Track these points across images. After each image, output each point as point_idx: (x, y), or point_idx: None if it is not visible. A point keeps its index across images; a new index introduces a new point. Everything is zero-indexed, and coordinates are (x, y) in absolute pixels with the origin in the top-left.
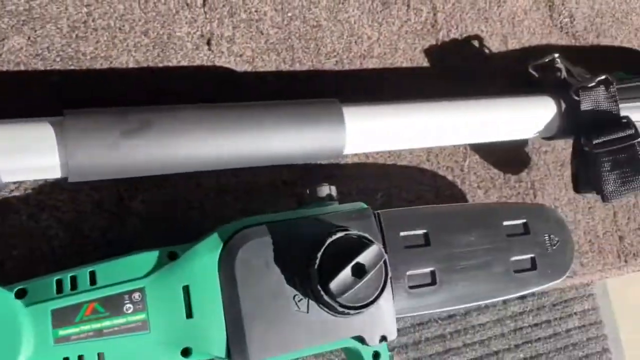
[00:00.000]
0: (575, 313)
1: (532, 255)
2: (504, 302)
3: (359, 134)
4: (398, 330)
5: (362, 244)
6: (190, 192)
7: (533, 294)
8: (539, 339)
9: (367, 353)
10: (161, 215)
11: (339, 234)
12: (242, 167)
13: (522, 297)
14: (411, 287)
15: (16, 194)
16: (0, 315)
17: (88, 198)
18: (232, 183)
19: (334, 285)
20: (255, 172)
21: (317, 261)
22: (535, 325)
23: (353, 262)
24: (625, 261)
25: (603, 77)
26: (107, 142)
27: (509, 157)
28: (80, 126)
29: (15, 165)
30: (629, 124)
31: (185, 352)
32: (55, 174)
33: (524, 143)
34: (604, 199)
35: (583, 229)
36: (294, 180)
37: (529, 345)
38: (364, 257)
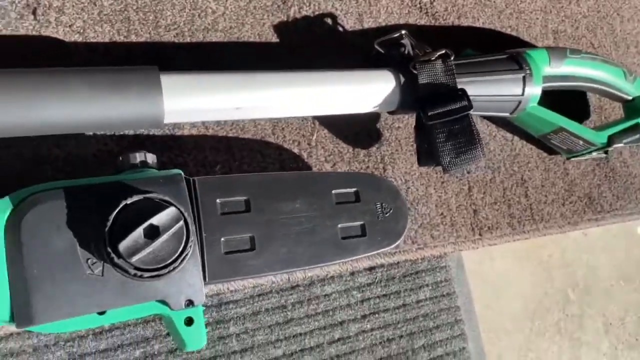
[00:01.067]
0: (427, 285)
1: (362, 222)
2: (352, 273)
3: (181, 103)
4: (235, 301)
5: (159, 207)
6: (8, 161)
7: (382, 266)
8: (387, 309)
9: (178, 318)
10: None
11: (136, 197)
12: (55, 134)
13: (371, 269)
14: (227, 253)
15: None
16: None
17: None
18: (54, 154)
19: (123, 246)
20: (80, 142)
21: (110, 223)
22: (384, 296)
23: (146, 224)
24: (480, 235)
25: (442, 51)
26: None
27: (359, 132)
28: None
29: None
30: (463, 96)
31: None
32: None
33: (375, 118)
34: (444, 170)
35: (435, 202)
36: (121, 151)
37: (377, 315)
38: (159, 219)
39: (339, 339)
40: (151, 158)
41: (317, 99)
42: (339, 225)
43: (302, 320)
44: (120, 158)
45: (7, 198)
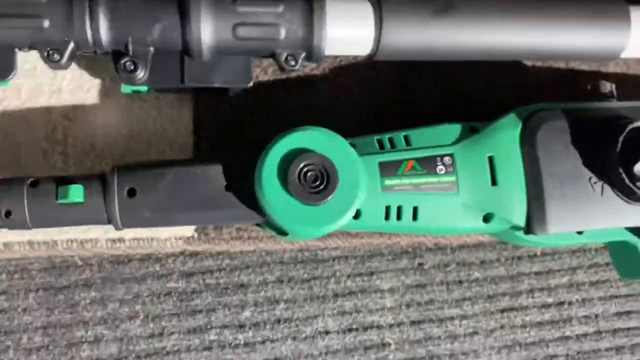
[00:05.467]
0: None
1: None
2: None
3: None
4: None
5: None
6: (466, 81)
7: None
8: None
9: None
10: (440, 103)
11: (638, 123)
12: (528, 59)
13: None
14: None
15: (316, 72)
16: (342, 159)
17: (372, 83)
18: (501, 78)
19: (637, 169)
20: (533, 70)
21: (619, 145)
22: None
23: None
24: None
25: None
26: (417, 22)
27: None
28: (395, 6)
29: (335, 36)
30: None
31: (487, 217)
32: (362, 50)
33: None
34: None
35: None
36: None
37: None
38: None
39: None
40: (614, 88)
41: None
42: None
43: None
44: (589, 86)
45: (513, 114)
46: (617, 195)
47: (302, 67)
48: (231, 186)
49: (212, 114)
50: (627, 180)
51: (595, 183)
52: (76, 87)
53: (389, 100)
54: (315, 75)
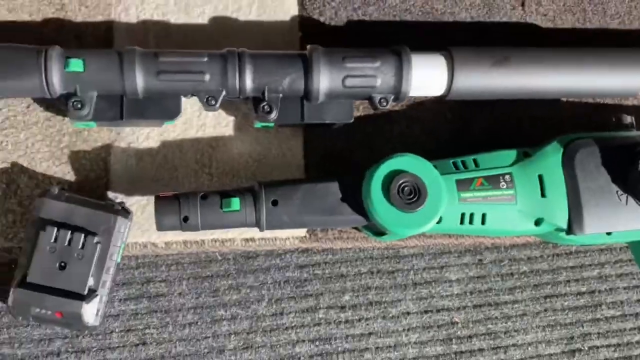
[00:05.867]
0: None
1: None
2: None
3: None
4: None
5: None
6: (516, 115)
7: None
8: None
9: None
10: (495, 132)
11: None
12: (565, 97)
13: None
14: None
15: (396, 109)
16: (429, 177)
17: (442, 117)
18: (544, 112)
19: None
20: (569, 106)
21: (639, 166)
22: None
23: None
24: None
25: None
26: (481, 70)
27: None
28: (463, 58)
29: (417, 83)
30: None
31: (538, 222)
32: (437, 92)
33: None
34: None
35: None
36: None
37: None
38: None
39: None
40: (634, 120)
41: None
42: None
43: None
44: (614, 118)
45: (555, 142)
46: (638, 204)
47: None
48: (344, 198)
49: (318, 143)
50: None
51: (621, 195)
52: (217, 122)
53: (454, 130)
54: (397, 111)
